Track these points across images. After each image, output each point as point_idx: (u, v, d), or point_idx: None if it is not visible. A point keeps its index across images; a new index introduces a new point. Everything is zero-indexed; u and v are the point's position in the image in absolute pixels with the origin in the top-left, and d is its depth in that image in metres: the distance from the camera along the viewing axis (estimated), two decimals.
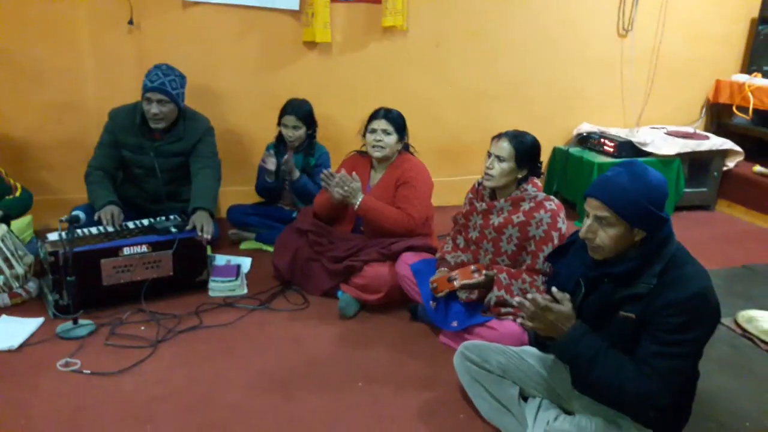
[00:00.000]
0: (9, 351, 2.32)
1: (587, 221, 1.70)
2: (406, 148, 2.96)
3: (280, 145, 3.35)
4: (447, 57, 3.93)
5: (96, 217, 2.81)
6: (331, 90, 3.75)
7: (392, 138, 2.82)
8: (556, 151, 4.33)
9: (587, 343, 1.66)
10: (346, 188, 2.68)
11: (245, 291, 2.85)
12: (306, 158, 3.33)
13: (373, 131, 2.82)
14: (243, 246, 3.34)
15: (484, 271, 2.31)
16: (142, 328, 2.52)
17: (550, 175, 4.32)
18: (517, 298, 1.76)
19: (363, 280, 2.68)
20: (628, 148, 4.06)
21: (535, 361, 2.00)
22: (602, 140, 4.14)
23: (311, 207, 3.04)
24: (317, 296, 2.82)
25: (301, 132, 3.27)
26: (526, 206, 2.36)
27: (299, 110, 3.25)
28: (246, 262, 3.11)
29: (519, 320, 1.90)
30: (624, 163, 1.69)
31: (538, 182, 2.44)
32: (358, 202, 2.71)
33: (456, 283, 2.33)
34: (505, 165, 2.35)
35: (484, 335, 2.27)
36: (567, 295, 1.73)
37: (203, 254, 2.81)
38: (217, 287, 2.81)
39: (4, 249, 2.61)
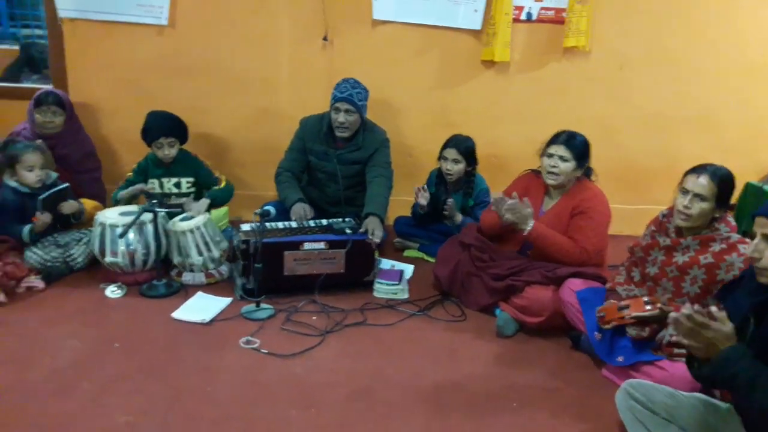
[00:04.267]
0: (202, 323, 2.65)
1: (755, 241, 1.57)
2: (587, 172, 2.85)
3: (440, 180, 3.41)
4: (630, 79, 3.77)
5: (291, 216, 3.09)
6: (505, 109, 3.77)
7: (569, 165, 2.71)
8: (748, 188, 3.94)
9: (746, 364, 1.51)
10: (517, 214, 2.67)
11: (407, 296, 2.97)
12: (465, 199, 3.37)
13: (550, 156, 2.74)
14: (406, 253, 3.48)
15: (659, 304, 2.19)
16: (314, 318, 2.73)
17: (740, 213, 3.94)
18: (672, 314, 1.64)
19: (524, 301, 2.66)
20: None
21: (707, 410, 1.86)
22: None
23: (475, 223, 3.08)
24: (475, 311, 2.85)
25: (460, 167, 3.31)
26: (716, 247, 2.19)
27: (461, 145, 3.29)
28: (409, 269, 3.23)
29: (673, 336, 1.75)
30: None
31: (732, 220, 2.25)
32: (528, 228, 2.68)
33: (627, 315, 2.23)
34: (705, 205, 2.18)
35: (652, 374, 2.16)
36: (724, 313, 1.59)
37: (372, 256, 2.97)
38: (382, 289, 2.96)
39: (205, 234, 2.97)
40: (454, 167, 3.31)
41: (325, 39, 3.57)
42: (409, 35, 3.63)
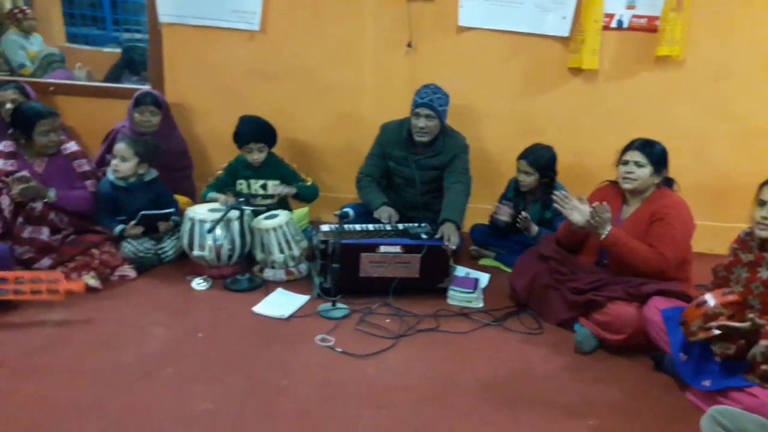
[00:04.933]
0: (281, 319, 2.73)
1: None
2: (668, 183, 2.77)
3: (518, 189, 3.35)
4: (727, 91, 3.57)
5: (377, 216, 3.15)
6: (591, 118, 3.68)
7: (645, 171, 2.65)
8: None
9: None
10: (596, 218, 2.61)
11: (481, 305, 2.94)
12: (542, 210, 3.29)
13: (626, 162, 2.70)
14: (482, 262, 3.44)
15: (750, 315, 2.06)
16: (387, 320, 2.76)
17: None
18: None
19: (605, 317, 2.57)
20: None
21: None
22: None
23: (554, 234, 3.02)
24: (552, 324, 2.78)
25: (532, 179, 3.24)
26: None
27: (532, 156, 3.23)
28: (484, 278, 3.20)
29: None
30: None
31: None
32: (605, 233, 2.61)
33: (712, 326, 2.11)
34: None
35: (742, 401, 2.03)
36: None
37: (447, 263, 2.96)
38: (456, 296, 2.94)
39: (287, 233, 3.06)
40: (526, 179, 3.25)
41: (409, 45, 3.60)
42: (494, 42, 3.60)
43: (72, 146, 3.15)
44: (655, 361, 2.49)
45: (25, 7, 5.16)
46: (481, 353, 2.56)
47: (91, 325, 2.59)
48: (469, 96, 3.66)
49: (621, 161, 2.74)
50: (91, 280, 2.86)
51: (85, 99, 3.91)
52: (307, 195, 3.40)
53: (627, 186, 2.70)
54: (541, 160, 3.23)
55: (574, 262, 2.83)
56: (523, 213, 3.22)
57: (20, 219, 2.92)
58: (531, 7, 3.52)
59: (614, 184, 2.86)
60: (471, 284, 3.00)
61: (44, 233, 2.95)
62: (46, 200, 2.94)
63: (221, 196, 3.24)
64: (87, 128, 3.83)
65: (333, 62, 3.70)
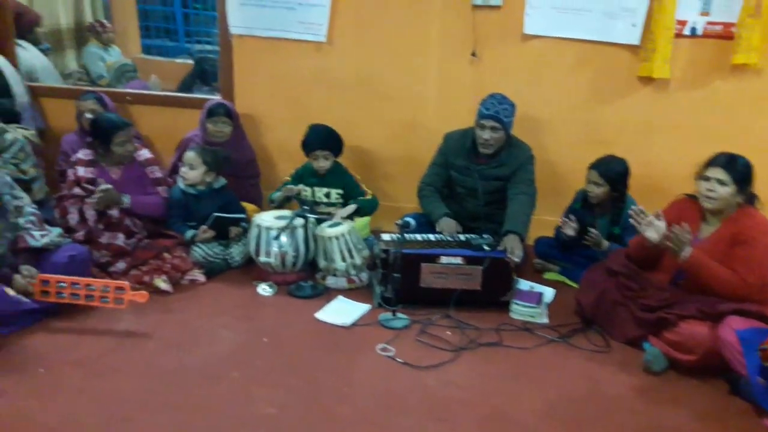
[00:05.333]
0: (342, 326, 2.75)
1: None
2: (750, 200, 2.61)
3: (586, 201, 3.26)
4: None
5: (439, 229, 3.14)
6: (662, 128, 3.55)
7: (727, 190, 2.51)
8: None
9: None
10: (675, 240, 2.49)
11: (545, 320, 2.89)
12: (611, 225, 3.19)
13: (707, 179, 2.55)
14: (547, 276, 3.37)
15: None
16: (448, 332, 2.74)
17: None
18: None
19: (676, 336, 2.47)
20: None
21: None
22: None
23: (623, 248, 2.93)
24: (620, 342, 2.70)
25: (602, 190, 3.14)
26: None
27: (604, 167, 3.13)
28: (549, 292, 3.14)
29: None
30: None
31: None
32: (684, 255, 2.50)
33: None
34: None
35: None
36: None
37: (510, 276, 2.92)
38: (519, 310, 2.90)
39: (349, 242, 3.09)
40: (595, 190, 3.16)
41: (473, 54, 3.58)
42: (561, 50, 3.54)
43: (145, 153, 3.30)
44: (731, 384, 2.37)
45: (104, 21, 5.45)
46: (545, 370, 2.50)
47: (161, 327, 2.70)
48: (534, 105, 3.60)
49: (702, 177, 2.59)
50: (162, 283, 2.97)
51: (159, 108, 4.07)
52: (367, 209, 3.45)
53: (708, 205, 2.57)
54: (612, 171, 3.14)
55: (644, 278, 2.72)
56: (593, 230, 3.12)
57: (100, 225, 3.07)
58: (599, 14, 3.44)
59: (692, 198, 2.72)
60: (535, 298, 2.95)
61: (120, 238, 3.09)
62: (121, 206, 3.08)
63: (291, 186, 3.33)
64: (160, 136, 3.99)
65: (397, 72, 3.73)
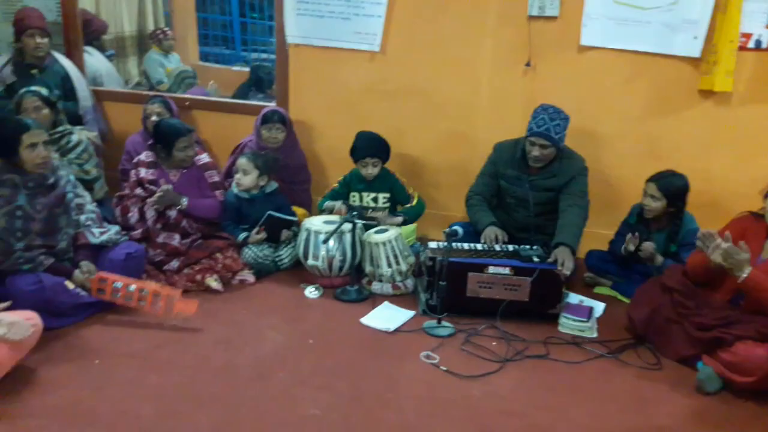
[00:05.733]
0: (386, 332, 2.76)
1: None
2: None
3: (642, 216, 3.16)
4: None
5: (482, 239, 3.12)
6: (723, 142, 3.43)
7: None
8: None
9: None
10: (730, 259, 2.41)
11: (595, 335, 2.82)
12: (668, 242, 3.10)
13: None
14: (597, 290, 3.29)
15: None
16: (494, 343, 2.71)
17: None
18: None
19: (733, 357, 2.37)
20: None
21: None
22: None
23: (679, 264, 2.84)
24: (672, 360, 2.61)
25: (659, 205, 3.04)
26: None
27: (663, 181, 3.04)
28: (599, 307, 3.07)
29: None
30: None
31: None
32: (743, 276, 2.40)
33: None
34: None
35: None
36: None
37: (559, 288, 2.87)
38: (568, 324, 2.84)
39: (395, 248, 3.10)
40: (652, 203, 3.08)
41: (527, 64, 3.56)
42: (618, 62, 3.47)
43: (204, 158, 3.40)
44: None
45: (166, 28, 5.66)
46: (593, 385, 2.45)
47: (212, 325, 2.76)
48: (589, 117, 3.55)
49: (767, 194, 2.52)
50: (213, 282, 3.05)
51: (216, 114, 4.19)
52: (412, 217, 3.47)
53: None
54: (672, 186, 3.05)
55: (701, 296, 2.63)
56: (647, 243, 3.04)
57: (158, 225, 3.18)
58: (659, 26, 3.36)
59: (756, 216, 2.63)
60: (585, 312, 2.89)
61: (176, 239, 3.18)
62: (179, 207, 3.18)
63: (337, 203, 3.37)
64: (217, 141, 4.10)
65: (449, 80, 3.73)
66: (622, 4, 3.38)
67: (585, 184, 3.23)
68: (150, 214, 3.16)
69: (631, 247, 3.06)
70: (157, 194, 3.11)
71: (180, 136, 3.19)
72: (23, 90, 3.31)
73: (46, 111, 3.28)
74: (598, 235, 3.46)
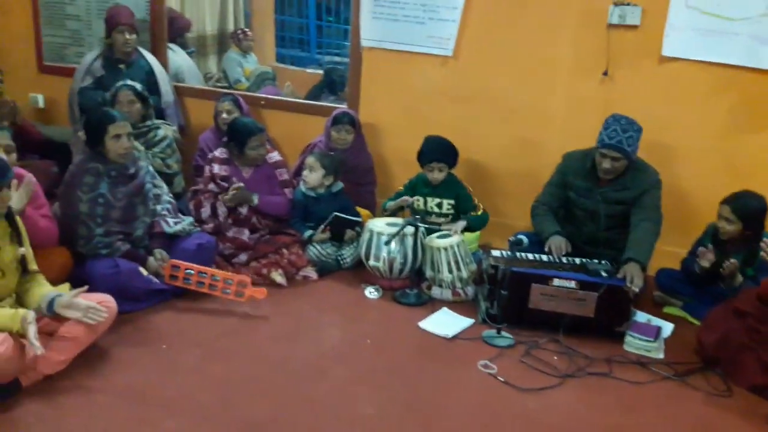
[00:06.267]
0: (444, 338, 2.75)
1: None
2: None
3: (717, 236, 3.01)
4: None
5: (546, 248, 3.06)
6: None
7: None
8: None
9: None
10: None
11: (661, 356, 2.71)
12: (744, 266, 2.92)
13: None
14: (666, 310, 3.16)
15: None
16: (555, 357, 2.65)
17: None
18: None
19: None
20: None
21: None
22: None
23: (755, 287, 2.69)
24: (743, 388, 2.48)
25: (733, 228, 2.89)
26: None
27: (737, 204, 2.88)
28: (667, 327, 2.94)
29: None
30: None
31: None
32: None
33: None
34: None
35: None
36: None
37: (627, 306, 2.78)
38: (634, 343, 2.74)
39: (457, 254, 3.09)
40: (726, 227, 2.92)
41: (605, 73, 3.46)
42: (701, 74, 3.32)
43: (275, 156, 3.49)
44: None
45: (246, 29, 5.84)
46: (657, 409, 2.35)
47: (274, 318, 2.83)
48: (666, 130, 3.41)
49: None
50: (278, 277, 3.13)
51: (289, 114, 4.29)
52: (476, 226, 3.43)
53: None
54: (747, 209, 2.89)
55: None
56: (732, 259, 2.89)
57: (229, 221, 3.29)
58: (746, 38, 3.20)
59: None
60: (652, 332, 2.78)
61: (245, 234, 3.28)
62: (250, 204, 3.28)
63: (406, 197, 3.38)
64: (289, 140, 4.20)
65: (522, 87, 3.68)
66: (708, 15, 3.24)
67: (658, 198, 3.11)
68: (222, 210, 3.27)
69: (705, 263, 2.92)
70: (231, 192, 3.21)
71: (252, 134, 3.28)
72: (120, 83, 3.49)
73: (138, 105, 3.45)
74: (669, 252, 3.33)
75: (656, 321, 2.97)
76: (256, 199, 3.29)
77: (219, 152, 3.40)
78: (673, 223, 3.30)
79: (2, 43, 4.70)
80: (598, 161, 3.06)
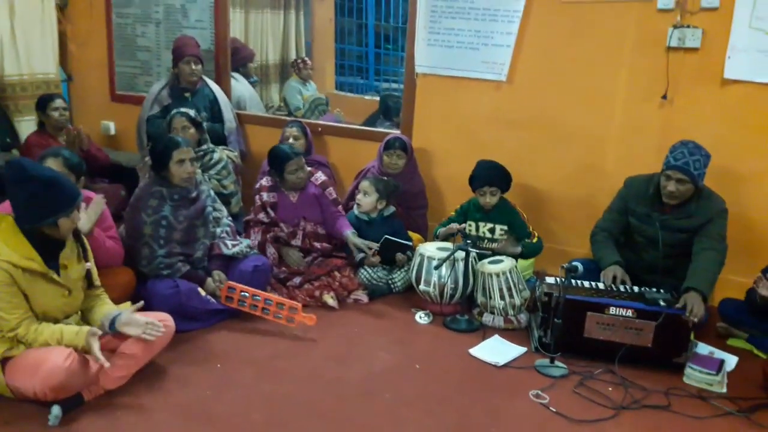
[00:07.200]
0: (495, 365, 2.71)
1: None
2: None
3: None
4: None
5: (602, 277, 2.98)
6: None
7: None
8: None
9: None
10: None
11: (724, 390, 2.58)
12: None
13: None
14: (730, 342, 3.01)
15: None
16: (610, 389, 2.57)
17: None
18: None
19: None
20: None
21: None
22: None
23: None
24: None
25: None
26: None
27: None
28: (731, 360, 2.80)
29: None
30: None
31: None
32: None
33: None
34: None
35: None
36: None
37: (687, 336, 2.67)
38: (694, 375, 2.63)
39: (510, 280, 3.05)
40: None
41: (664, 97, 3.38)
42: (766, 96, 3.20)
43: (321, 176, 3.57)
44: None
45: (306, 58, 6.03)
46: None
47: (325, 340, 2.87)
48: (730, 155, 3.28)
49: None
50: (330, 299, 3.18)
51: (344, 139, 4.38)
52: (530, 253, 3.38)
53: None
54: None
55: None
56: None
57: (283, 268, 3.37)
58: None
59: None
60: (715, 365, 2.65)
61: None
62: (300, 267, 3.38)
63: (454, 225, 3.37)
64: (344, 165, 4.28)
65: (578, 111, 3.63)
66: None
67: (724, 228, 2.98)
68: (270, 251, 3.37)
69: (764, 292, 2.78)
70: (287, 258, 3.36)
71: (288, 160, 3.37)
72: (174, 111, 3.66)
73: (192, 130, 3.61)
74: (734, 282, 3.18)
75: (719, 353, 2.83)
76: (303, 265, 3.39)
77: (265, 180, 3.49)
78: (738, 251, 3.15)
79: (80, 72, 5.03)
80: (663, 185, 2.97)
